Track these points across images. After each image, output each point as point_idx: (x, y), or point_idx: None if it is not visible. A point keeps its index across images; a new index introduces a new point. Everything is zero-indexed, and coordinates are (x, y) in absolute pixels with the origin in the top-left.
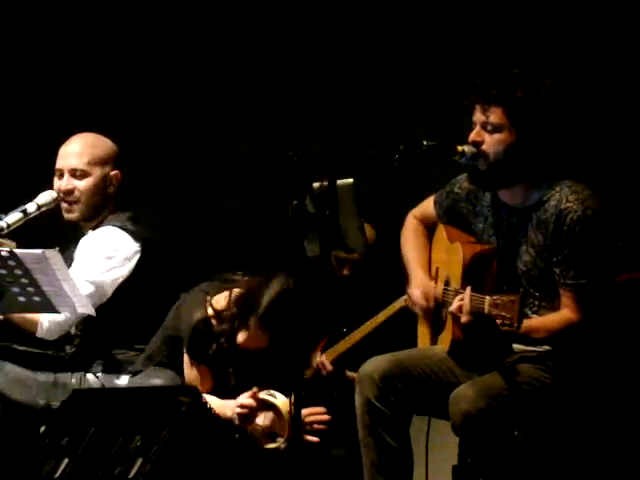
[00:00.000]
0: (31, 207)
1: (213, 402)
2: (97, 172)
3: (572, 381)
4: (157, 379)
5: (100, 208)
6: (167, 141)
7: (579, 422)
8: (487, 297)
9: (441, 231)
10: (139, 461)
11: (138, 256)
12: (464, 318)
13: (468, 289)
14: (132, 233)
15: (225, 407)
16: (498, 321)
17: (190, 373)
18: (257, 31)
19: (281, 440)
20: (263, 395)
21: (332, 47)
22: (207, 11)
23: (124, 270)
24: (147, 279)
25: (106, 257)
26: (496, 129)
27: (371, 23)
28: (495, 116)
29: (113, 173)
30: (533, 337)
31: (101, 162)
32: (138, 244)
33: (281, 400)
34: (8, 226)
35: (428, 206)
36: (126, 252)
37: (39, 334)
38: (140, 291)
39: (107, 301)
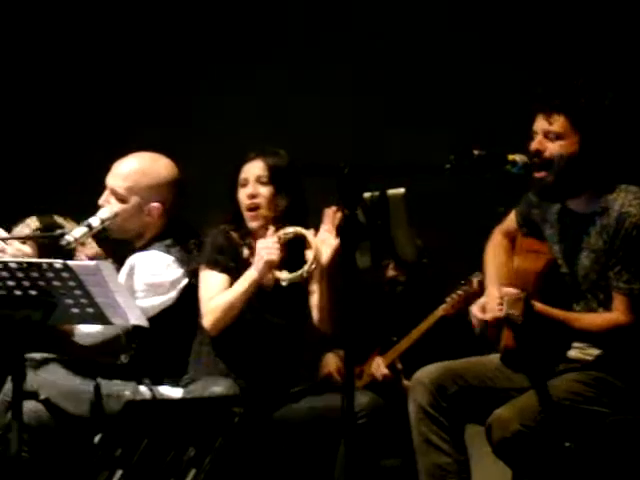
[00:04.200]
0: (95, 222)
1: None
2: (134, 200)
3: (614, 391)
4: (216, 387)
5: (138, 232)
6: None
7: (623, 432)
8: (505, 298)
9: (517, 242)
10: (192, 472)
11: (185, 281)
12: (487, 315)
13: (499, 289)
14: (177, 258)
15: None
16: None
17: (208, 290)
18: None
19: (306, 267)
20: (281, 232)
21: (379, 58)
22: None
23: (169, 296)
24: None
25: (148, 283)
26: (559, 137)
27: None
28: (558, 124)
29: (153, 205)
30: (574, 326)
31: (143, 192)
32: (183, 269)
33: (300, 228)
34: (75, 240)
35: (510, 218)
36: (170, 277)
37: (75, 338)
38: (191, 311)
39: (161, 317)
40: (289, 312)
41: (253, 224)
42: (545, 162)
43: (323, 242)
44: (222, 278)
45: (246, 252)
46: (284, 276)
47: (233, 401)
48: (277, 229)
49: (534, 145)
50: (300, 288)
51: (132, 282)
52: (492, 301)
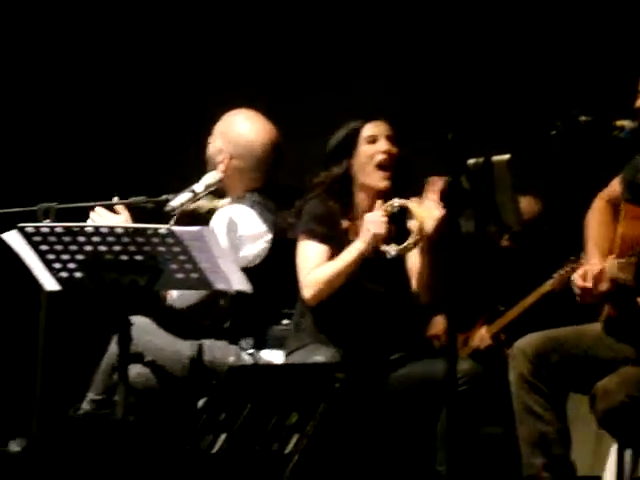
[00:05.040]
0: (198, 187)
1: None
2: (218, 144)
3: None
4: (319, 356)
5: (226, 184)
6: None
7: None
8: (612, 261)
9: (622, 209)
10: (295, 437)
11: (270, 236)
12: (602, 286)
13: (596, 258)
14: (259, 214)
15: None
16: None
17: (306, 261)
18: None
19: (411, 240)
20: (387, 204)
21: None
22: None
23: (254, 248)
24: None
25: (231, 236)
26: None
27: None
28: None
29: (227, 161)
30: None
31: (224, 144)
32: (265, 227)
33: (404, 200)
34: (180, 205)
35: (613, 184)
36: (253, 230)
37: (168, 302)
38: (281, 268)
39: (252, 277)
40: (390, 279)
41: (384, 183)
42: None
43: (428, 212)
44: (320, 248)
45: (345, 223)
46: (392, 249)
47: (335, 367)
48: (384, 201)
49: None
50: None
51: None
52: (591, 268)
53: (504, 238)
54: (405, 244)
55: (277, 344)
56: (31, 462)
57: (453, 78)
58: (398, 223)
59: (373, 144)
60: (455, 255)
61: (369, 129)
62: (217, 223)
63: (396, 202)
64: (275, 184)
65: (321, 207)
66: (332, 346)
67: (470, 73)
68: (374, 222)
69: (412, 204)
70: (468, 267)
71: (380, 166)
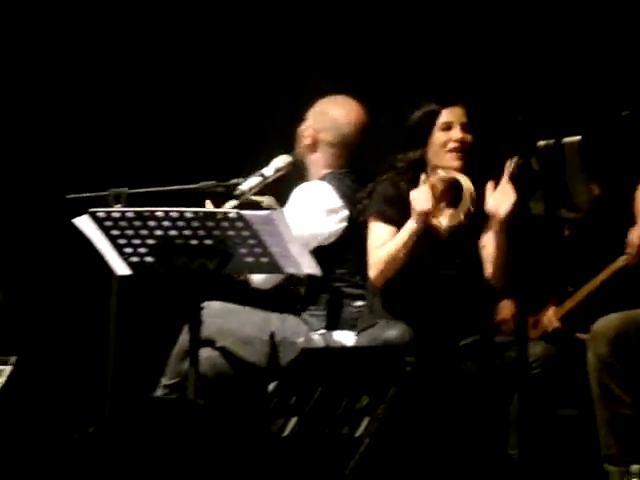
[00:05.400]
0: (268, 171)
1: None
2: (308, 122)
3: None
4: (392, 330)
5: (310, 161)
6: None
7: None
8: None
9: None
10: (366, 420)
11: (346, 212)
12: None
13: None
14: (337, 188)
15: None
16: None
17: (374, 241)
18: None
19: (459, 209)
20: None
21: None
22: None
23: (329, 224)
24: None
25: (306, 210)
26: None
27: None
28: None
29: (313, 133)
30: None
31: (313, 118)
32: (342, 202)
33: (452, 172)
34: (250, 189)
35: None
36: (328, 206)
37: (254, 284)
38: (356, 247)
39: (325, 257)
40: (462, 263)
41: (456, 163)
42: None
43: (503, 195)
44: (388, 230)
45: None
46: (443, 223)
47: (406, 350)
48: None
49: None
50: (474, 239)
51: (289, 213)
52: None
53: (564, 228)
54: (454, 215)
55: (349, 326)
56: (104, 445)
57: (524, 60)
58: (456, 196)
59: (447, 131)
60: (525, 237)
61: (445, 115)
62: (294, 198)
63: (441, 173)
64: (359, 168)
65: (392, 189)
66: (403, 323)
67: (541, 54)
68: (418, 199)
69: (458, 174)
70: (538, 249)
71: (452, 151)
